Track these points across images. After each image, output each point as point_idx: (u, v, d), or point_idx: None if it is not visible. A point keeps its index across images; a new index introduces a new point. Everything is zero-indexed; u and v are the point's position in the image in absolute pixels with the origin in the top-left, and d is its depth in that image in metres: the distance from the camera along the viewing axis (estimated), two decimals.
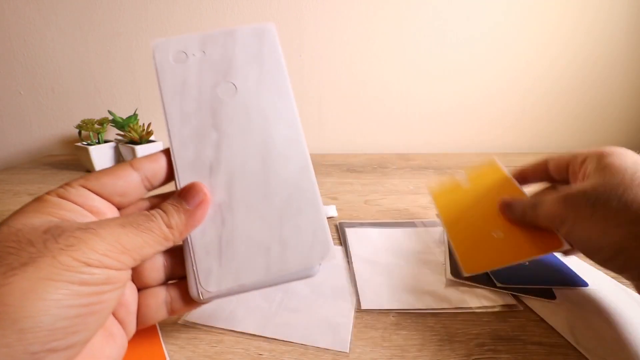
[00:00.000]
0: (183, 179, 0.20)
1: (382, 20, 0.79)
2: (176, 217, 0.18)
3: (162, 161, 0.20)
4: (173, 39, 0.22)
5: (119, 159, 0.71)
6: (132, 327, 0.19)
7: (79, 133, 0.72)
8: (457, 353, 0.24)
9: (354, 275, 0.33)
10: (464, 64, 0.82)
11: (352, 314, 0.27)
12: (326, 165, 0.73)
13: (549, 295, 0.30)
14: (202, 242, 0.20)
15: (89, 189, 0.18)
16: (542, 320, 0.27)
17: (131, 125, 0.67)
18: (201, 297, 0.19)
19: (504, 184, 0.36)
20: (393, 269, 0.34)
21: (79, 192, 0.18)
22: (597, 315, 0.27)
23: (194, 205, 0.19)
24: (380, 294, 0.30)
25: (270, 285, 0.20)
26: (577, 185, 0.24)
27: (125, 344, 0.19)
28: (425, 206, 0.50)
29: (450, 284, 0.31)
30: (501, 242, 0.30)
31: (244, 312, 0.27)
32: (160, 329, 0.26)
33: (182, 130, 0.21)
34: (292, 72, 0.82)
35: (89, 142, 0.70)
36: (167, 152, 0.21)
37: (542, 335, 0.26)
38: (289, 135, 0.21)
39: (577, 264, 0.35)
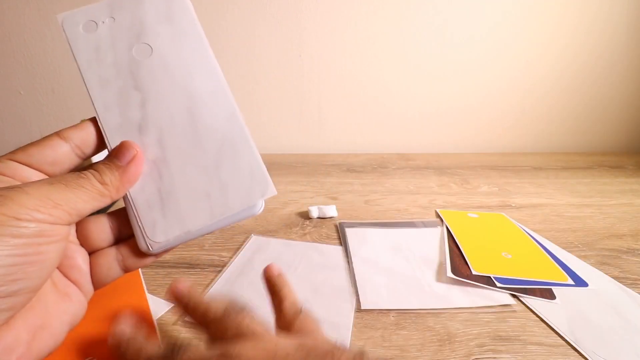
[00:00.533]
0: (113, 142, 0.20)
1: (382, 20, 0.79)
2: (109, 174, 0.19)
3: (90, 128, 0.21)
4: (80, 10, 0.22)
5: None
6: (89, 288, 0.20)
7: None
8: (457, 353, 0.24)
9: (354, 275, 0.33)
10: (464, 64, 0.82)
11: (352, 314, 0.27)
12: (326, 165, 0.73)
13: (549, 295, 0.30)
14: (142, 197, 0.20)
15: (17, 162, 0.18)
16: (542, 320, 0.27)
17: None
18: (150, 249, 0.20)
19: (513, 227, 0.42)
20: (393, 269, 0.34)
21: (7, 165, 0.18)
22: (597, 315, 0.27)
23: (125, 161, 0.20)
24: (380, 294, 0.30)
25: (217, 228, 0.21)
26: None
27: (84, 303, 0.20)
28: (425, 206, 0.50)
29: (450, 283, 0.31)
30: (510, 261, 0.34)
31: None
32: (160, 329, 0.26)
33: (104, 96, 0.21)
34: (292, 72, 0.82)
35: None
36: (94, 120, 0.21)
37: (542, 335, 0.26)
38: (211, 86, 0.22)
39: (577, 264, 0.35)
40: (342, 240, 0.39)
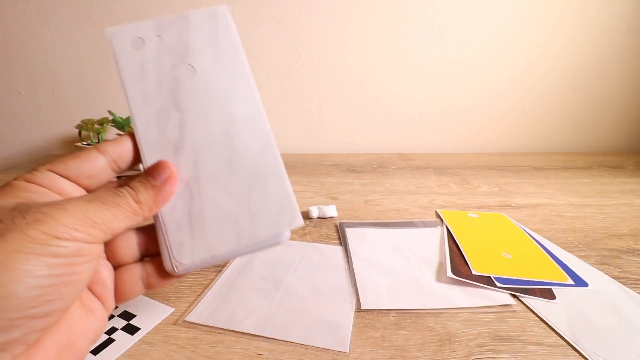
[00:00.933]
0: (149, 159, 0.21)
1: (382, 20, 0.79)
2: (144, 193, 0.19)
3: (128, 143, 0.21)
4: (129, 26, 0.23)
5: None
6: (111, 303, 0.20)
7: (79, 133, 0.72)
8: (457, 353, 0.24)
9: (354, 275, 0.33)
10: (464, 64, 0.82)
11: (352, 314, 0.27)
12: (326, 165, 0.73)
13: (549, 295, 0.30)
14: (172, 217, 0.20)
15: (55, 173, 0.18)
16: (542, 320, 0.27)
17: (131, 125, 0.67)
18: (175, 270, 0.20)
19: (513, 227, 0.42)
20: (393, 269, 0.34)
21: (45, 176, 0.18)
22: (597, 315, 0.27)
23: (161, 181, 0.20)
24: (380, 294, 0.30)
25: (242, 254, 0.21)
26: None
27: (106, 318, 0.19)
28: (425, 206, 0.50)
29: (450, 283, 0.31)
30: (510, 261, 0.34)
31: (244, 312, 0.27)
32: (161, 329, 0.26)
33: (145, 113, 0.21)
34: (292, 72, 0.82)
35: (89, 142, 0.70)
36: (132, 135, 0.21)
37: (542, 335, 0.25)
38: (250, 112, 0.22)
39: (577, 264, 0.35)
40: (342, 240, 0.39)
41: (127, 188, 0.19)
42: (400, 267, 0.34)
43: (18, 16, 0.77)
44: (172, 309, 0.28)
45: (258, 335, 0.25)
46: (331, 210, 0.46)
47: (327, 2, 0.78)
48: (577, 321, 0.27)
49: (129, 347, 0.24)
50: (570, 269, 0.33)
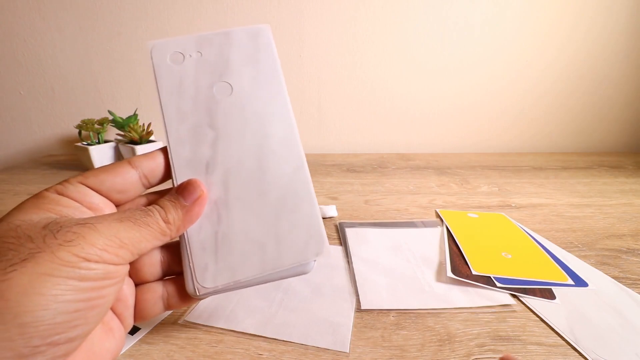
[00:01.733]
0: (180, 176, 0.20)
1: (382, 20, 0.79)
2: (173, 213, 0.19)
3: (160, 159, 0.21)
4: (170, 40, 0.22)
5: (119, 159, 0.71)
6: (130, 321, 0.19)
7: (79, 133, 0.72)
8: (457, 353, 0.24)
9: (354, 275, 0.33)
10: (463, 63, 0.82)
11: (352, 314, 0.27)
12: (326, 165, 0.73)
13: (549, 295, 0.30)
14: (198, 239, 0.20)
15: (87, 186, 0.18)
16: (542, 320, 0.27)
17: (131, 125, 0.67)
18: (197, 293, 0.19)
19: (513, 227, 0.42)
20: (393, 269, 0.34)
21: (77, 189, 0.18)
22: (597, 315, 0.27)
23: (191, 201, 0.19)
24: (380, 294, 0.30)
25: (265, 282, 0.20)
26: None
27: (124, 338, 0.19)
28: (425, 206, 0.50)
29: (450, 283, 0.31)
30: (510, 261, 0.34)
31: (244, 312, 0.27)
32: (161, 329, 0.26)
33: (179, 129, 0.21)
34: (292, 72, 0.82)
35: (89, 142, 0.70)
36: (164, 150, 0.21)
37: (542, 335, 0.26)
38: (284, 135, 0.22)
39: (577, 264, 0.35)
40: (342, 240, 0.39)
41: (156, 207, 0.18)
42: (400, 267, 0.34)
43: (18, 16, 0.77)
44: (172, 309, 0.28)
45: (258, 335, 0.25)
46: (331, 210, 0.46)
47: (327, 2, 0.78)
48: (577, 321, 0.27)
49: (129, 347, 0.24)
50: (570, 269, 0.33)
